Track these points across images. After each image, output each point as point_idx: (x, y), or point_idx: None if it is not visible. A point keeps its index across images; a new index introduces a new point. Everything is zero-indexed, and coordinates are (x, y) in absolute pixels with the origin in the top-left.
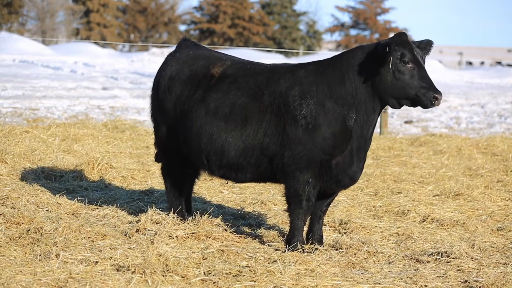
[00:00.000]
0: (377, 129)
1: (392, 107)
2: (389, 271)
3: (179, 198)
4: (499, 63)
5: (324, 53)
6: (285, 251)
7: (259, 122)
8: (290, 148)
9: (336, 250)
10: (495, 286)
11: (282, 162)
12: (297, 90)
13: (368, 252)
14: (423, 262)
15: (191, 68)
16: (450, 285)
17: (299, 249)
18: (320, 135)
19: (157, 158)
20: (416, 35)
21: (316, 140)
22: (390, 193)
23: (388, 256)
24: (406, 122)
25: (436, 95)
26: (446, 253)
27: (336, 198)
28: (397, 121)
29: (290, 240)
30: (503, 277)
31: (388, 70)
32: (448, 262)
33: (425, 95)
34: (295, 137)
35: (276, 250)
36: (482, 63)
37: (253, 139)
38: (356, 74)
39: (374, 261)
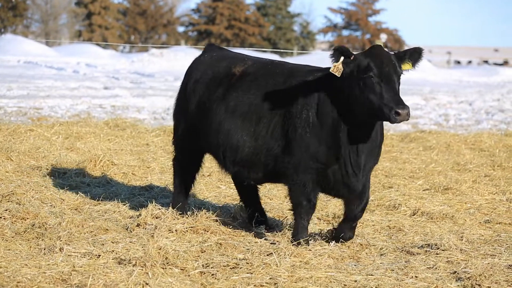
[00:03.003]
0: None
1: (363, 121)
2: (381, 263)
3: (185, 194)
4: (486, 62)
5: (317, 53)
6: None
7: (269, 122)
8: (290, 154)
9: (330, 242)
10: (483, 277)
11: (283, 165)
12: (301, 97)
13: (361, 244)
14: (413, 254)
15: (214, 69)
16: (440, 276)
17: (301, 244)
18: (314, 144)
19: (174, 157)
20: (406, 36)
21: (311, 148)
22: (381, 187)
23: (380, 249)
24: None
25: (398, 110)
26: (435, 245)
27: None
28: None
29: (294, 237)
30: (491, 268)
31: (355, 82)
32: (437, 254)
33: (387, 109)
34: (294, 144)
35: (272, 243)
36: (470, 62)
37: (263, 138)
38: (346, 85)
39: (366, 253)
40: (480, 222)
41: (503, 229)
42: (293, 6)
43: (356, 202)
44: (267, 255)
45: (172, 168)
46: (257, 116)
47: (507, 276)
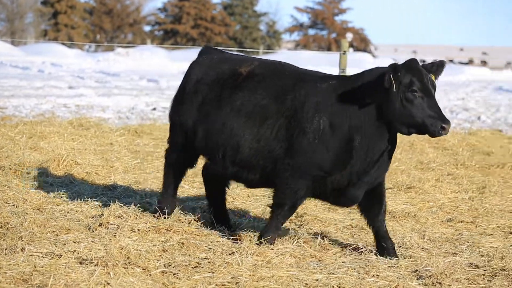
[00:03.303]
0: None
1: (401, 133)
2: (343, 262)
3: (174, 192)
4: (451, 61)
5: (283, 53)
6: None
7: (274, 124)
8: (292, 157)
9: (292, 242)
10: (444, 275)
11: (282, 166)
12: (313, 103)
13: (323, 243)
14: (375, 253)
15: (217, 71)
16: (401, 274)
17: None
18: (321, 151)
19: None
20: (372, 35)
21: (316, 155)
22: None
23: (342, 248)
24: None
25: (443, 125)
26: (397, 243)
27: None
28: None
29: (263, 235)
30: (452, 266)
31: (395, 96)
32: (399, 253)
33: (433, 125)
34: (299, 148)
35: (234, 242)
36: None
37: (265, 140)
38: (367, 96)
39: (328, 252)
40: (442, 221)
41: (465, 227)
42: (260, 5)
43: (376, 210)
44: (229, 254)
45: (164, 167)
46: (262, 117)
47: (468, 274)
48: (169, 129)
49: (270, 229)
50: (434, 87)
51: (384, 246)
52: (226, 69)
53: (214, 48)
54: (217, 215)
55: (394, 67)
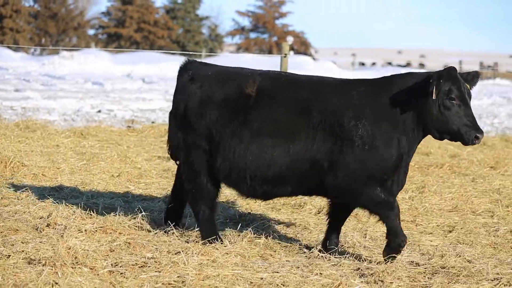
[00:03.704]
0: None
1: (434, 137)
2: (286, 261)
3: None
4: (390, 63)
5: (225, 56)
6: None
7: (309, 138)
8: (347, 167)
9: (237, 241)
10: (386, 273)
11: (337, 180)
12: (351, 111)
13: (268, 242)
14: (318, 252)
15: (223, 90)
16: (344, 272)
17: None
18: (378, 156)
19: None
20: (312, 38)
21: (374, 160)
22: None
23: (286, 246)
24: None
25: (478, 135)
26: (340, 242)
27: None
28: None
29: (394, 241)
30: (393, 264)
31: (433, 102)
32: (342, 251)
33: (467, 133)
34: (352, 157)
35: (180, 242)
36: (374, 63)
37: (303, 154)
38: (406, 100)
39: (272, 251)
40: None
41: (405, 226)
42: (202, 9)
43: (345, 216)
44: (175, 253)
45: (191, 201)
46: (289, 132)
47: (409, 272)
48: (180, 159)
49: (396, 233)
50: (470, 97)
51: (329, 246)
52: (232, 88)
53: (199, 61)
54: (169, 213)
55: (438, 75)
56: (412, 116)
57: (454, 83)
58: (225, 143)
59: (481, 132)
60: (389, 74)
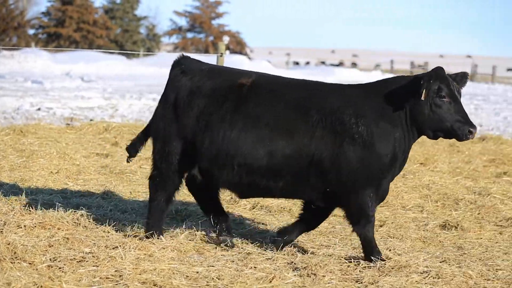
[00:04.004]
0: None
1: (428, 137)
2: (222, 255)
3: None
4: (323, 63)
5: (162, 55)
6: (371, 267)
7: (308, 136)
8: (348, 165)
9: (174, 236)
10: (319, 266)
11: (339, 178)
12: (352, 109)
13: (203, 237)
14: (253, 246)
15: (214, 81)
16: (278, 266)
17: (379, 260)
18: (377, 154)
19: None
20: (248, 38)
21: (373, 158)
22: None
23: (221, 241)
24: None
25: (471, 129)
26: (273, 237)
27: None
28: None
29: (370, 255)
30: (326, 258)
31: (424, 102)
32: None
33: (461, 129)
34: (354, 155)
35: (118, 237)
36: (308, 63)
37: (300, 150)
38: (400, 101)
39: (208, 245)
40: None
41: (338, 221)
42: (140, 9)
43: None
44: (113, 248)
45: (151, 188)
46: (288, 128)
47: (341, 265)
48: (154, 147)
49: (370, 246)
50: (460, 94)
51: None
52: (224, 80)
53: (192, 58)
54: (217, 215)
55: (428, 76)
56: (407, 115)
57: (443, 82)
58: (213, 127)
59: (474, 126)
60: (382, 78)
